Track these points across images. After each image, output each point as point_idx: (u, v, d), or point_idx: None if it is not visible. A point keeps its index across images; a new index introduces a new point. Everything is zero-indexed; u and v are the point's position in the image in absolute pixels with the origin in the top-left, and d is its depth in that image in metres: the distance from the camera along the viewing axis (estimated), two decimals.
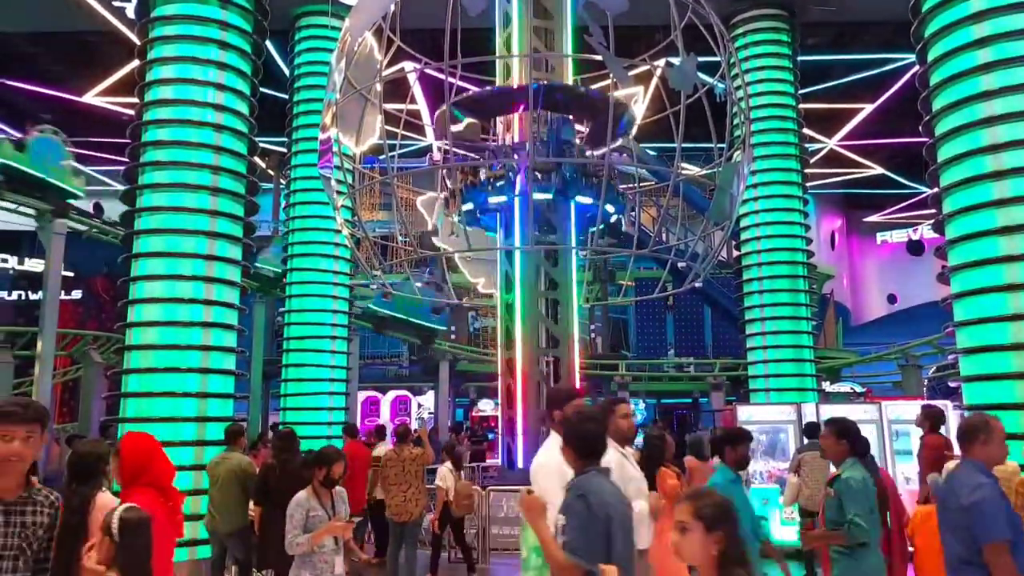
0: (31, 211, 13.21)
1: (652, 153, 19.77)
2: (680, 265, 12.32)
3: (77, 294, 24.48)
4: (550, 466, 3.37)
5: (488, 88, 11.15)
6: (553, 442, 3.51)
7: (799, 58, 15.67)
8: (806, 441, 8.05)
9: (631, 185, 13.09)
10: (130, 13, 15.51)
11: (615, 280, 25.97)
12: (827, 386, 18.84)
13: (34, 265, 24.64)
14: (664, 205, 14.35)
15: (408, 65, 12.08)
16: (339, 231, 12.83)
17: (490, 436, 18.91)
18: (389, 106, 12.22)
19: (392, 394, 22.41)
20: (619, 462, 3.75)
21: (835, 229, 39.24)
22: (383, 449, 8.91)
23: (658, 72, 11.28)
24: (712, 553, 2.19)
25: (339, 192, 12.08)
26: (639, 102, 12.81)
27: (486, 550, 9.27)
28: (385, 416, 21.48)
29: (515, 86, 10.73)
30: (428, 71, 11.09)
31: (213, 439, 8.67)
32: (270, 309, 18.11)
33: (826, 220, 37.62)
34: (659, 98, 11.93)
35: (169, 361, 8.80)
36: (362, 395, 20.17)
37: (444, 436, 15.15)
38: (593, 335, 27.04)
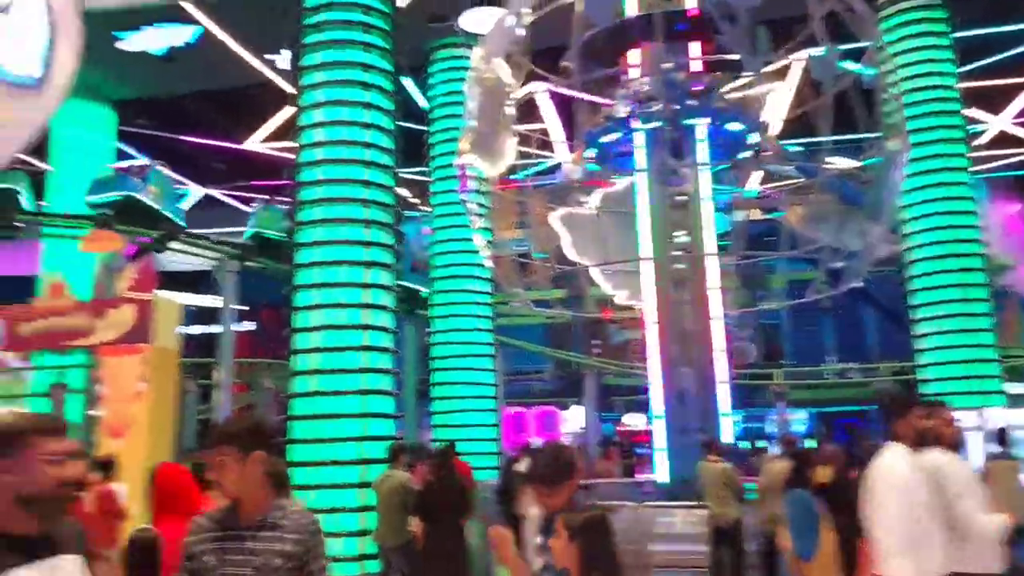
0: (213, 254, 14.48)
1: (798, 149, 18.94)
2: (836, 265, 11.76)
3: (250, 325, 26.51)
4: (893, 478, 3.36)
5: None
6: (898, 453, 3.48)
7: (955, 35, 14.56)
8: (996, 449, 7.38)
9: (776, 184, 12.62)
10: (280, 64, 16.87)
11: (765, 285, 24.99)
12: (1012, 387, 17.17)
13: (213, 301, 26.99)
14: (814, 202, 13.72)
15: (537, 86, 12.33)
16: (479, 252, 13.22)
17: (638, 451, 18.65)
18: (522, 127, 12.53)
19: (538, 410, 22.61)
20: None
21: (1011, 214, 35.79)
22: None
23: (798, 65, 10.89)
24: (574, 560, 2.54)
25: (478, 214, 12.48)
26: (779, 98, 12.36)
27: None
28: (531, 432, 21.73)
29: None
30: (556, 89, 11.29)
31: (375, 458, 9.12)
32: (420, 330, 18.79)
33: (1000, 205, 34.41)
34: (801, 92, 11.48)
35: (332, 385, 9.37)
36: (508, 411, 20.47)
37: (593, 451, 15.10)
38: (744, 342, 26.04)
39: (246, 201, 27.52)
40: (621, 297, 13.26)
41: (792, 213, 13.56)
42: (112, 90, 19.09)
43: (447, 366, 14.33)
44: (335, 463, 9.13)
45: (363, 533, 8.28)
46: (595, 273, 13.01)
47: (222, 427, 2.77)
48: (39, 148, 16.57)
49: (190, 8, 15.28)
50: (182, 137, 22.68)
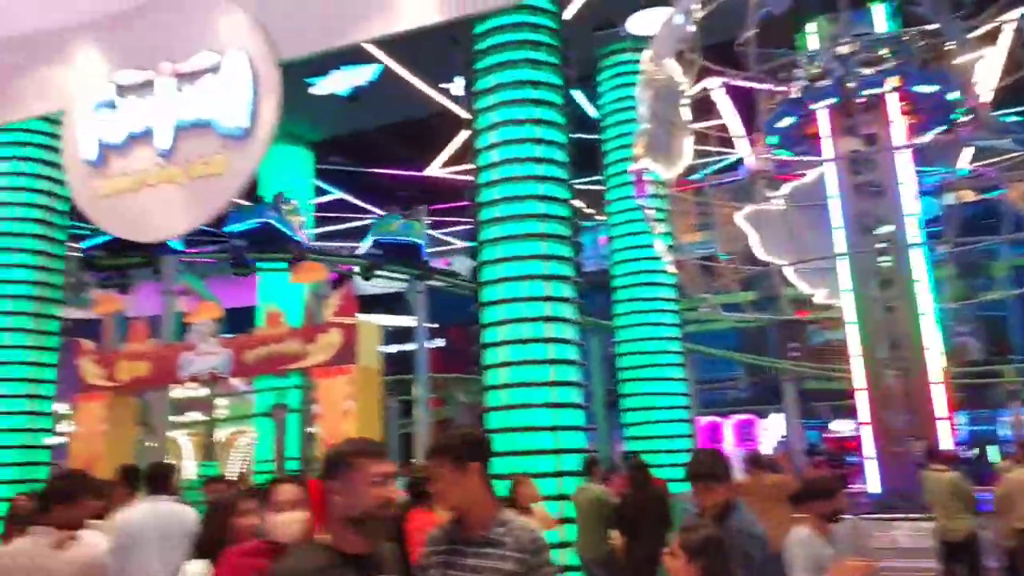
0: (403, 277, 15.33)
1: (1013, 119, 16.92)
2: None
3: (440, 342, 27.76)
4: None
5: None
6: None
7: None
8: None
9: (990, 161, 11.34)
10: (454, 91, 17.58)
11: (986, 273, 22.48)
12: None
13: (405, 321, 28.64)
14: None
15: (712, 81, 11.93)
16: (661, 258, 12.95)
17: (848, 460, 17.34)
18: (699, 125, 12.17)
19: (734, 419, 21.69)
20: None
21: None
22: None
23: (1009, 28, 9.76)
24: None
25: (657, 220, 12.25)
26: (987, 66, 11.14)
27: None
28: (728, 442, 20.86)
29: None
30: (732, 82, 10.87)
31: (569, 470, 9.15)
32: (604, 340, 18.74)
33: None
34: (1013, 58, 10.26)
35: (522, 398, 9.54)
36: (702, 421, 19.82)
37: (799, 461, 14.23)
38: (964, 339, 23.58)
39: (432, 225, 28.94)
40: (819, 296, 12.46)
41: (1015, 190, 12.13)
42: (308, 132, 20.86)
43: (635, 376, 14.12)
44: (532, 476, 9.25)
45: (563, 545, 8.32)
46: (789, 272, 12.32)
47: (437, 439, 2.81)
48: (249, 192, 18.35)
49: (370, 48, 16.33)
50: (371, 170, 24.28)
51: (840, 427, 20.89)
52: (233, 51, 10.93)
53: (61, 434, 16.73)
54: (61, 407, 18.78)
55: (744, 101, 12.20)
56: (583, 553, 7.36)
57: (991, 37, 13.10)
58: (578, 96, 17.86)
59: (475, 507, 2.53)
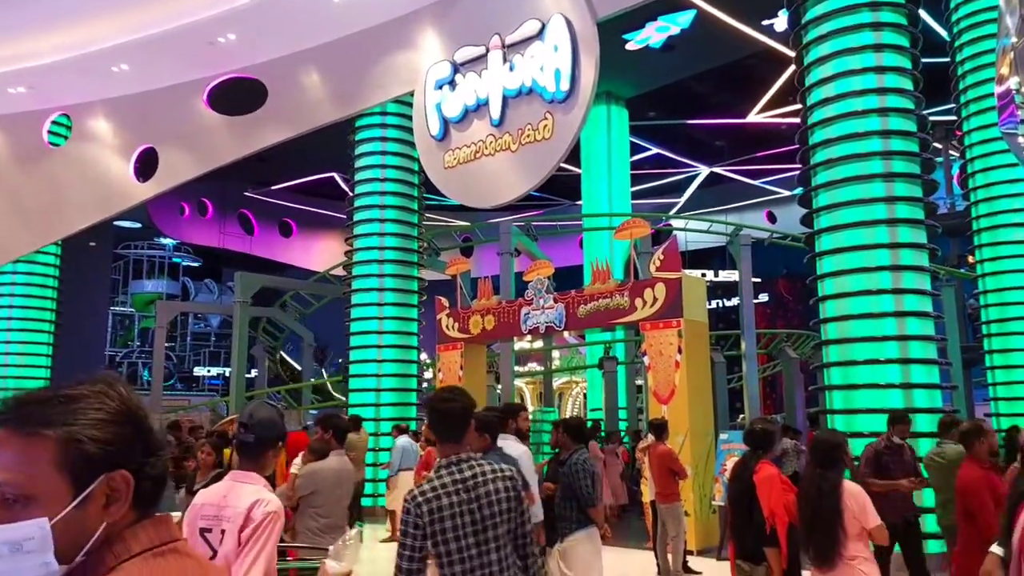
0: (724, 229, 14.98)
1: None
2: None
3: (764, 297, 26.74)
4: None
5: None
6: None
7: None
8: None
9: None
10: (778, 27, 16.48)
11: None
12: None
13: (727, 276, 28.03)
14: None
15: None
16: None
17: None
18: None
19: None
20: None
21: None
22: None
23: None
24: None
25: None
26: None
27: None
28: None
29: None
30: None
31: (922, 431, 8.32)
32: (959, 292, 16.56)
33: None
34: None
35: (867, 353, 8.83)
36: None
37: None
38: None
39: (751, 175, 27.78)
40: None
41: None
42: (623, 89, 21.12)
43: (1002, 331, 12.26)
44: (876, 435, 8.59)
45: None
46: None
47: None
48: (573, 154, 19.14)
49: None
50: (687, 121, 23.90)
51: None
52: (555, 15, 11.48)
53: (427, 380, 19.24)
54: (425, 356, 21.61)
55: None
56: (940, 521, 6.68)
57: None
58: (924, 17, 15.68)
59: None
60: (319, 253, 31.13)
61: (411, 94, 13.59)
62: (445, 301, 13.03)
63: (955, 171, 17.78)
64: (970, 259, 13.38)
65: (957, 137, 13.75)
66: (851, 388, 8.93)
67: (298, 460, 6.23)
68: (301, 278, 24.55)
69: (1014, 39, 9.21)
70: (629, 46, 17.81)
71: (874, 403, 8.69)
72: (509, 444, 4.90)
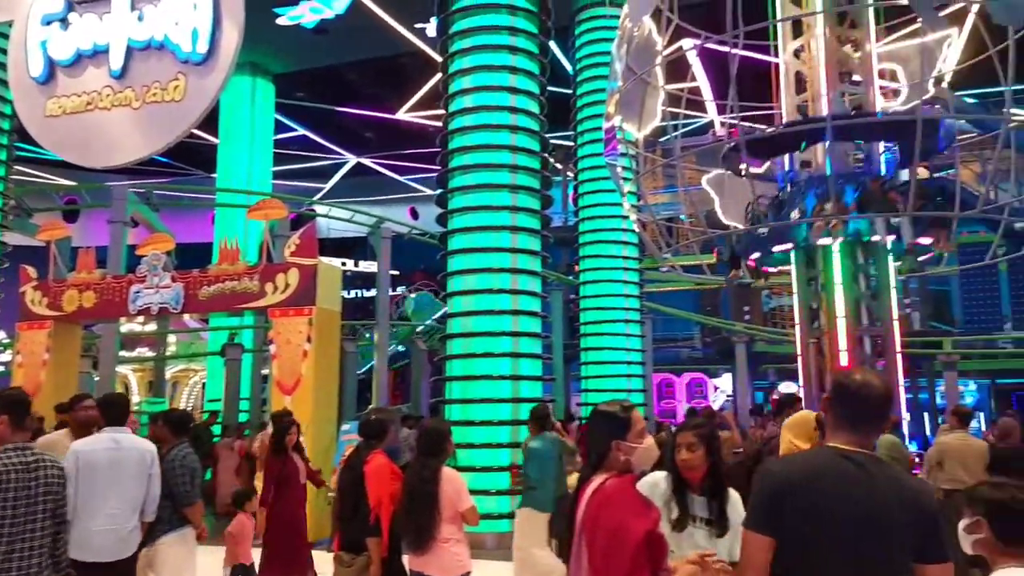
0: (367, 220, 15.03)
1: (971, 101, 17.18)
2: (1018, 226, 10.62)
3: (401, 289, 27.62)
4: None
5: (778, 127, 10.46)
6: None
7: None
8: None
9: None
10: (430, 32, 17.11)
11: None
12: None
13: (368, 266, 28.39)
14: (994, 158, 12.43)
15: (687, 42, 11.78)
16: (626, 217, 12.93)
17: None
18: (671, 86, 12.06)
19: (687, 376, 22.17)
20: None
21: None
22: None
23: (975, 8, 9.83)
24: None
25: (624, 178, 12.18)
26: (952, 45, 11.30)
27: None
28: (680, 398, 21.41)
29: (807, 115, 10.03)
30: (708, 45, 10.76)
31: (526, 419, 9.21)
32: (565, 296, 18.86)
33: None
34: (977, 38, 10.36)
35: (484, 347, 9.53)
36: (657, 378, 20.23)
37: (745, 420, 14.61)
38: (909, 310, 24.34)
39: (398, 170, 28.46)
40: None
41: (966, 170, 12.29)
42: (271, 64, 20.14)
43: (595, 331, 14.24)
44: (487, 423, 9.32)
45: (516, 492, 8.40)
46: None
47: None
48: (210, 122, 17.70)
49: None
50: (336, 108, 23.64)
51: (788, 389, 21.48)
52: None
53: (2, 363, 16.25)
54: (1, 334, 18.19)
55: (718, 64, 12.09)
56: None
57: (958, 19, 13.20)
58: (554, 49, 17.54)
59: None
60: None
61: (9, 24, 11.37)
62: (32, 271, 11.05)
63: (571, 190, 20.14)
64: (576, 268, 15.33)
65: (575, 160, 15.63)
66: (469, 379, 9.57)
67: None
68: None
69: (620, 83, 10.70)
70: (280, 20, 17.03)
71: (488, 393, 9.42)
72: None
